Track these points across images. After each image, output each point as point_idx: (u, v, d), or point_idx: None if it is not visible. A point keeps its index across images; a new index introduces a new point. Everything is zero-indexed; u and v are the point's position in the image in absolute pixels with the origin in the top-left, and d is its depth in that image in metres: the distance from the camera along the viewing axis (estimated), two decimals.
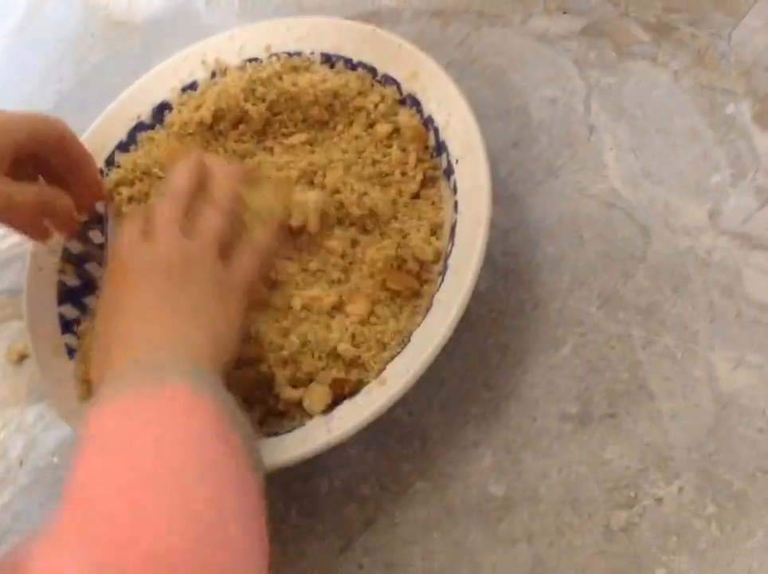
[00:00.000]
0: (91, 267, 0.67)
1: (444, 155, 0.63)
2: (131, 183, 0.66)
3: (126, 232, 0.56)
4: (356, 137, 0.66)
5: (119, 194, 0.67)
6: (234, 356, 0.54)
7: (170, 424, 0.43)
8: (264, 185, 0.60)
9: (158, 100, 0.71)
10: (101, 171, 0.68)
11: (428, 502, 0.57)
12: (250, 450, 0.46)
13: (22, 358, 0.72)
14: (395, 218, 0.63)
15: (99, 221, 0.68)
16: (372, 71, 0.67)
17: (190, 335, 0.51)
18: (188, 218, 0.55)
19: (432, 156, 0.65)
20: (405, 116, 0.65)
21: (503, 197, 0.66)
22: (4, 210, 0.57)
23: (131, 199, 0.66)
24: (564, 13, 0.72)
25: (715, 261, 0.59)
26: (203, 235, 0.55)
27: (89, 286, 0.67)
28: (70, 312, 0.65)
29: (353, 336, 0.58)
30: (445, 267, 0.58)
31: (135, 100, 0.71)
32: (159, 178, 0.66)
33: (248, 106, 0.66)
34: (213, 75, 0.71)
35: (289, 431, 0.56)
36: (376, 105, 0.66)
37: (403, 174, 0.64)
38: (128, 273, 0.54)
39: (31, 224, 0.61)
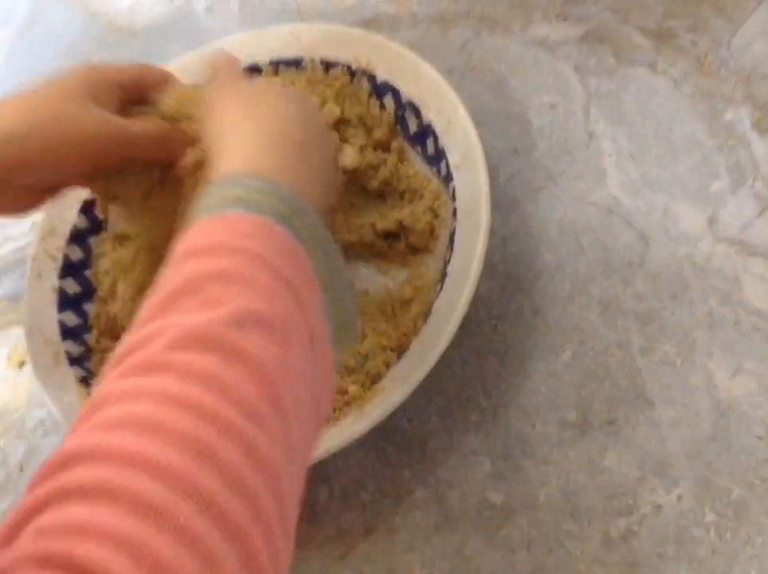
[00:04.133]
0: (90, 274, 0.67)
1: (443, 162, 0.63)
2: None
3: None
4: None
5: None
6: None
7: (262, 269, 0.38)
8: None
9: None
10: None
11: (427, 509, 0.57)
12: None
13: (23, 364, 0.72)
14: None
15: (99, 227, 0.68)
16: (371, 78, 0.67)
17: (317, 189, 0.47)
18: None
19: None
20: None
21: (503, 203, 0.66)
22: (123, 143, 0.55)
23: None
24: (564, 19, 0.72)
25: (714, 269, 0.59)
26: None
27: (89, 293, 0.67)
28: (71, 319, 0.65)
29: None
30: (445, 274, 0.58)
31: None
32: None
33: None
34: None
35: None
36: None
37: None
38: (256, 91, 0.52)
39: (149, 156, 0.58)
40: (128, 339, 0.36)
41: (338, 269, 0.43)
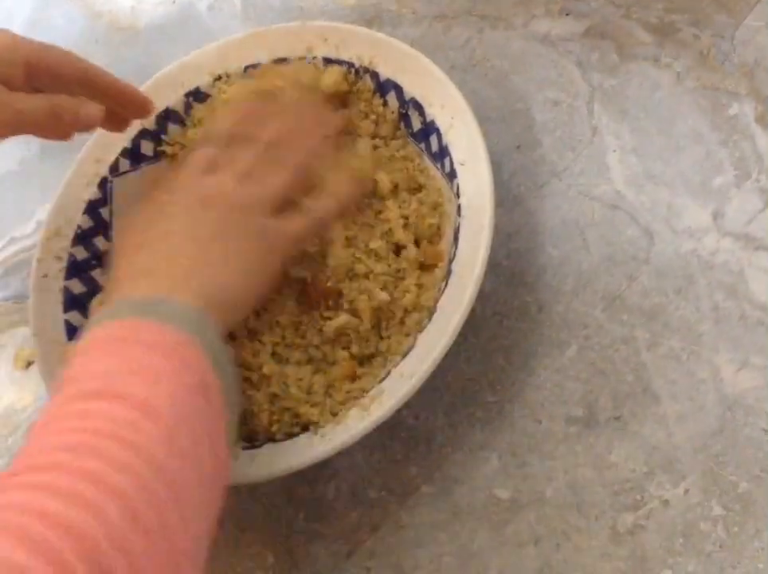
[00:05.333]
0: (96, 274, 0.68)
1: (447, 159, 0.63)
2: None
3: (187, 164, 0.56)
4: None
5: None
6: (246, 315, 0.54)
7: (159, 366, 0.43)
8: (357, 146, 0.62)
9: (161, 107, 0.71)
10: (106, 179, 0.68)
11: (434, 505, 0.57)
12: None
13: (29, 364, 0.72)
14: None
15: (104, 227, 0.69)
16: (374, 75, 0.67)
17: (211, 276, 0.49)
18: (261, 161, 0.55)
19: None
20: None
21: (507, 200, 0.66)
22: (12, 122, 0.54)
23: None
24: (566, 15, 0.72)
25: (719, 263, 0.59)
26: (266, 187, 0.54)
27: (95, 293, 0.67)
28: (76, 319, 0.65)
29: None
30: (449, 271, 0.58)
31: None
32: None
33: None
34: (219, 78, 0.71)
35: (292, 437, 0.56)
36: None
37: None
38: (170, 200, 0.53)
39: (49, 131, 0.57)
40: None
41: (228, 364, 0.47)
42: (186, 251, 0.50)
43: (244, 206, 0.53)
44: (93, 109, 0.58)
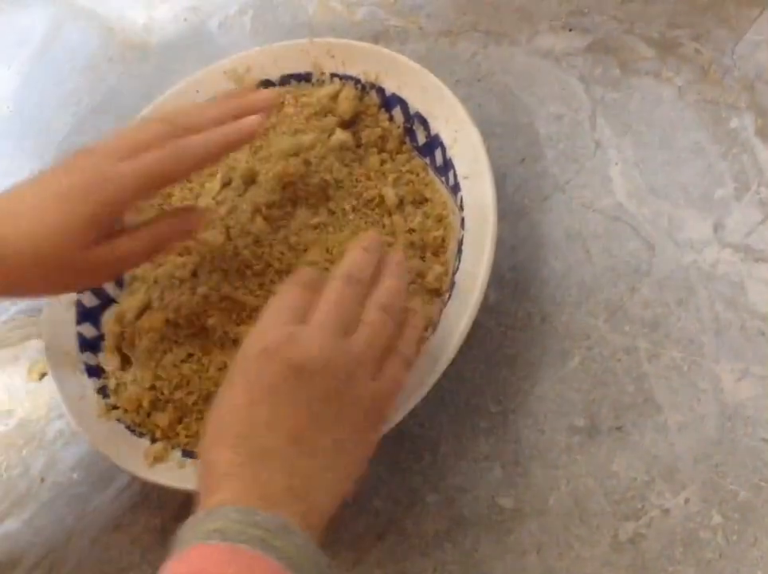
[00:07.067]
0: (108, 287, 0.69)
1: (450, 173, 0.64)
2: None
3: (276, 308, 0.49)
4: None
5: None
6: None
7: None
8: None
9: None
10: None
11: (439, 514, 0.58)
12: None
13: (43, 376, 0.73)
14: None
15: None
16: (380, 91, 0.69)
17: (319, 491, 0.45)
18: (353, 308, 0.49)
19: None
20: None
21: (511, 212, 0.67)
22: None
23: None
24: (569, 30, 0.73)
25: (719, 274, 0.60)
26: (368, 344, 0.48)
27: (107, 306, 0.68)
28: (89, 331, 0.67)
29: None
30: (453, 283, 0.59)
31: None
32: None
33: None
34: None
35: None
36: None
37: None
38: (269, 364, 0.46)
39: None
40: None
41: None
42: (288, 449, 0.45)
43: (352, 377, 0.47)
44: (195, 220, 0.61)
